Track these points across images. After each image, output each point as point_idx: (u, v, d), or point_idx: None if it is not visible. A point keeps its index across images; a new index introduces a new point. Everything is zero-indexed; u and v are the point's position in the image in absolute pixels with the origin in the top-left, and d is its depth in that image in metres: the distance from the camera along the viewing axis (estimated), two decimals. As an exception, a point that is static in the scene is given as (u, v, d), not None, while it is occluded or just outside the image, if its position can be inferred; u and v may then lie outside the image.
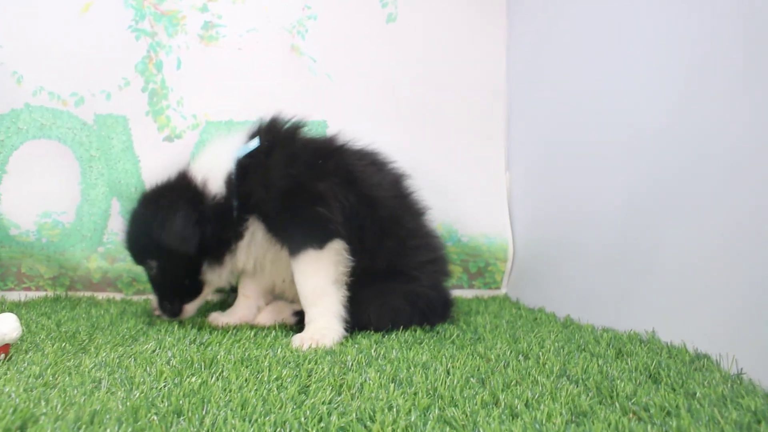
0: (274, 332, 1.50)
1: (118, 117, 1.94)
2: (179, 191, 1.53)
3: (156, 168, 1.91)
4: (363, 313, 1.50)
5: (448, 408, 0.96)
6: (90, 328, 1.49)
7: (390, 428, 0.87)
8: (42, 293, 1.96)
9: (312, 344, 1.36)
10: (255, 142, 1.51)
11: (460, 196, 2.14)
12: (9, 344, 1.21)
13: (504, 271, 2.18)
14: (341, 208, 1.47)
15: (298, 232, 1.48)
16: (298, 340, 1.38)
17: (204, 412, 0.91)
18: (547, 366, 1.21)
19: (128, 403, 0.93)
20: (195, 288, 1.60)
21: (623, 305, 1.60)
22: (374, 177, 1.59)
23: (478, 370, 1.18)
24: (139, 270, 1.94)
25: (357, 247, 1.50)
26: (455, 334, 1.50)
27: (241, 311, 1.68)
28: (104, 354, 1.23)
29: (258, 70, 2.01)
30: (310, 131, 1.67)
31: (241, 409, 0.93)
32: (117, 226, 1.93)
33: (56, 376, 1.08)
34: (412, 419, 0.90)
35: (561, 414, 0.94)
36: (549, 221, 2.02)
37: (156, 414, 0.90)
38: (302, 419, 0.89)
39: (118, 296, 1.97)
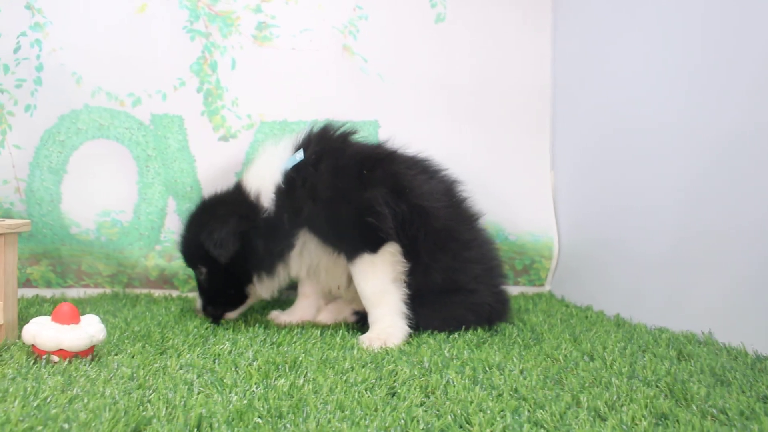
0: (340, 332, 1.53)
1: (174, 117, 1.96)
2: (235, 204, 1.59)
3: (211, 167, 1.96)
4: (428, 325, 1.53)
5: (535, 410, 0.99)
6: (159, 327, 1.53)
7: (489, 430, 0.90)
8: (100, 290, 2.00)
9: (380, 344, 1.39)
10: (300, 155, 1.53)
11: (507, 195, 2.16)
12: (94, 346, 1.24)
13: (548, 269, 2.20)
14: (392, 215, 1.49)
15: (350, 240, 1.52)
16: (367, 341, 1.41)
17: (304, 415, 0.94)
18: (615, 367, 1.23)
19: (230, 407, 0.96)
20: (240, 298, 1.67)
21: (676, 305, 1.61)
22: (424, 186, 1.58)
23: (550, 370, 1.20)
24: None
25: (412, 262, 1.52)
26: (515, 334, 1.53)
27: (301, 310, 1.71)
28: (188, 355, 1.26)
29: (311, 70, 2.02)
30: (362, 137, 1.69)
31: (340, 412, 0.96)
32: (173, 225, 1.96)
33: (147, 378, 1.11)
34: (508, 422, 0.93)
35: (644, 416, 0.97)
36: (595, 219, 2.03)
37: (260, 417, 0.93)
38: (401, 422, 0.92)
39: (174, 293, 2.01)
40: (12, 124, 1.89)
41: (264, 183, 1.56)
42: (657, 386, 1.11)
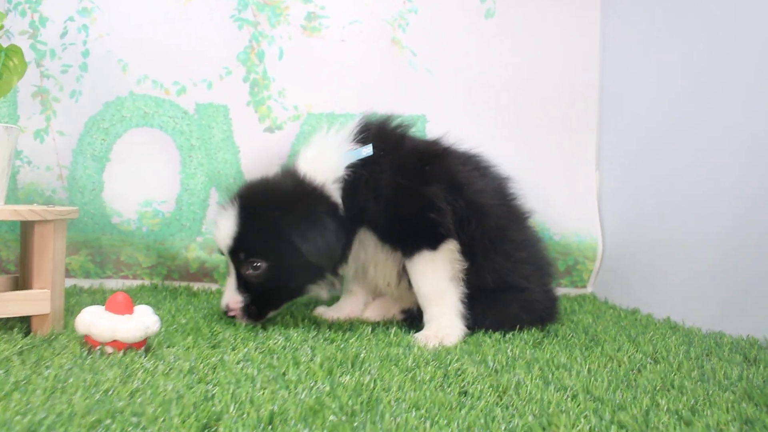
0: (392, 329, 1.49)
1: (219, 106, 1.93)
2: (315, 200, 1.46)
3: (256, 158, 1.92)
4: (480, 322, 1.49)
5: (616, 412, 0.95)
6: (206, 321, 1.50)
7: (576, 431, 0.86)
8: (139, 281, 1.96)
9: (436, 342, 1.36)
10: (368, 150, 1.47)
11: (552, 194, 2.11)
12: (147, 337, 1.21)
13: (591, 270, 2.16)
14: (452, 211, 1.46)
15: (410, 236, 1.48)
16: (423, 339, 1.38)
17: (379, 413, 0.90)
18: (683, 370, 1.19)
19: (303, 403, 0.92)
20: (292, 297, 1.58)
21: (733, 309, 1.57)
22: (479, 182, 1.56)
23: (617, 372, 1.17)
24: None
25: (468, 262, 1.49)
26: (570, 335, 1.49)
27: (348, 307, 1.67)
28: (244, 349, 1.23)
29: (359, 62, 1.99)
30: (415, 131, 1.64)
31: (416, 410, 0.92)
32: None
33: (207, 372, 1.08)
34: (593, 423, 0.89)
35: (729, 422, 0.93)
36: (641, 220, 1.99)
37: (333, 414, 0.89)
38: (480, 421, 0.88)
39: (213, 287, 1.97)
40: (57, 110, 1.86)
41: (325, 175, 1.47)
42: (732, 391, 1.07)
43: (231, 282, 1.49)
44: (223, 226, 1.47)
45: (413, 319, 1.59)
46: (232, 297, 1.48)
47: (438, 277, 1.45)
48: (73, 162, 1.88)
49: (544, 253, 1.71)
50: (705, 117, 1.71)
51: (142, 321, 1.19)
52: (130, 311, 1.20)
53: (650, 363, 1.24)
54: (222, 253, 1.51)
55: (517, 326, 1.52)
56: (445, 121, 1.97)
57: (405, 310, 1.65)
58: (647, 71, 1.97)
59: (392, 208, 1.45)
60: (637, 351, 1.33)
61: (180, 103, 1.92)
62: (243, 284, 1.48)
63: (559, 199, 2.14)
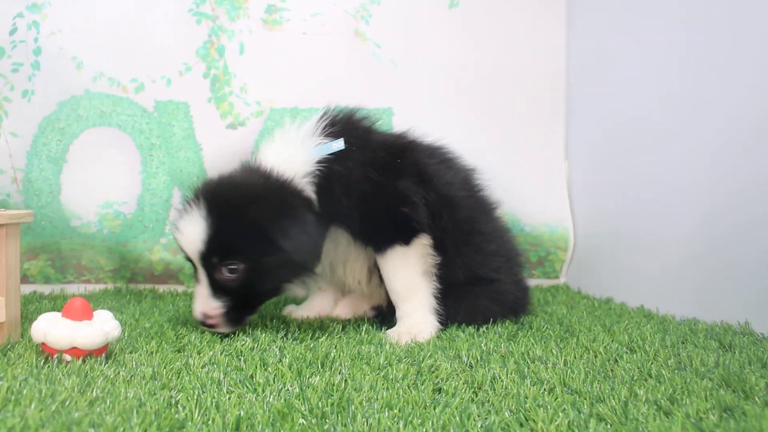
0: (363, 326, 1.46)
1: (179, 103, 1.88)
2: (290, 195, 1.39)
3: (218, 156, 1.88)
4: (452, 317, 1.47)
5: (594, 404, 0.93)
6: (171, 324, 1.45)
7: (554, 426, 0.84)
8: (102, 286, 1.90)
9: (409, 339, 1.33)
10: (340, 144, 1.42)
11: (521, 185, 2.10)
12: (108, 344, 1.16)
13: (564, 261, 2.15)
14: (425, 204, 1.43)
15: (383, 232, 1.44)
16: (395, 335, 1.35)
17: (350, 414, 0.87)
18: (659, 359, 1.18)
19: (269, 407, 0.88)
20: (269, 297, 1.51)
21: (705, 295, 1.57)
22: (447, 175, 1.53)
23: (594, 363, 1.15)
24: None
25: (440, 256, 1.46)
26: (545, 326, 1.48)
27: (319, 305, 1.63)
28: (210, 353, 1.18)
29: (323, 55, 1.95)
30: (382, 124, 1.61)
31: (389, 410, 0.89)
32: (171, 218, 1.88)
33: (171, 377, 1.03)
34: (571, 417, 0.87)
35: (709, 410, 0.91)
36: (611, 209, 1.99)
37: (303, 417, 0.86)
38: (457, 419, 0.85)
39: (179, 288, 1.92)
40: (8, 111, 1.80)
41: (294, 170, 1.40)
42: (710, 378, 1.06)
43: (203, 289, 1.37)
44: (190, 230, 1.36)
45: (384, 315, 1.56)
46: (208, 304, 1.36)
47: (411, 273, 1.42)
48: (28, 164, 1.81)
49: (513, 244, 1.70)
50: (675, 108, 1.71)
51: (102, 327, 1.13)
52: (89, 317, 1.15)
53: (626, 352, 1.22)
54: (188, 259, 1.41)
55: (490, 319, 1.50)
56: (412, 113, 1.95)
57: (375, 306, 1.62)
58: (614, 61, 1.97)
59: (364, 204, 1.41)
60: (612, 341, 1.32)
61: (138, 100, 1.86)
62: (218, 289, 1.37)
63: (529, 189, 2.13)
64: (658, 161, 1.77)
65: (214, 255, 1.35)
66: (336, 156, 1.42)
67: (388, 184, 1.42)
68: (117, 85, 1.85)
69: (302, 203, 1.38)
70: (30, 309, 1.58)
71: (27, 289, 1.85)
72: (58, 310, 1.18)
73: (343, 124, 1.49)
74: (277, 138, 1.52)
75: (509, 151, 2.11)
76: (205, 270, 1.36)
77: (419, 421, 0.85)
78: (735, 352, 1.22)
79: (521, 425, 0.86)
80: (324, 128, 1.47)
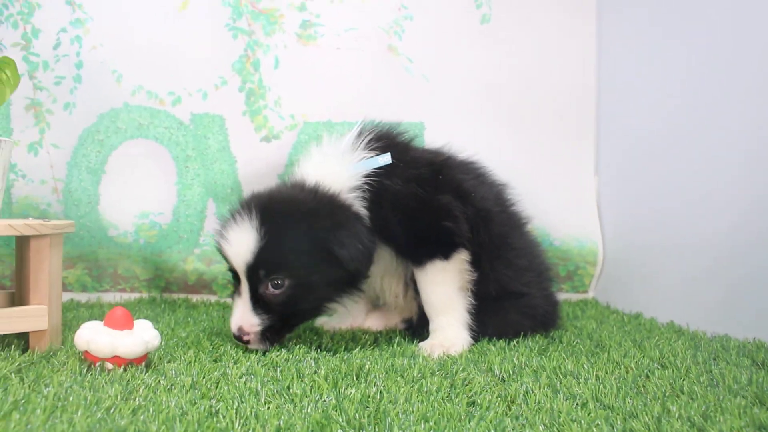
0: (396, 339, 1.47)
1: (215, 116, 1.92)
2: (341, 207, 1.38)
3: (252, 169, 1.91)
4: (482, 330, 1.47)
5: (628, 420, 0.93)
6: (206, 334, 1.47)
7: (589, 442, 0.85)
8: (136, 295, 1.94)
9: (441, 352, 1.34)
10: (387, 158, 1.42)
11: (551, 200, 2.10)
12: (148, 353, 1.19)
13: (593, 275, 2.14)
14: (465, 219, 1.44)
15: (424, 245, 1.44)
16: (428, 348, 1.36)
17: (387, 426, 0.88)
18: (691, 376, 1.17)
19: (307, 418, 0.90)
20: (311, 315, 1.47)
21: (737, 311, 1.56)
22: (481, 190, 1.54)
23: (625, 379, 1.15)
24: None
25: (476, 271, 1.46)
26: (574, 342, 1.47)
27: (351, 317, 1.64)
28: (246, 363, 1.21)
29: (356, 70, 1.98)
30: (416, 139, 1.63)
31: (425, 422, 0.90)
32: (213, 228, 1.91)
33: (210, 387, 1.06)
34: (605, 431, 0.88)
35: (742, 428, 0.91)
36: (641, 224, 1.98)
37: (341, 428, 0.87)
38: (493, 435, 0.87)
39: (212, 298, 1.95)
40: (50, 123, 1.85)
41: (339, 184, 1.40)
42: (743, 396, 1.05)
43: (244, 303, 1.34)
44: (239, 240, 1.33)
45: (414, 328, 1.58)
46: (247, 320, 1.33)
47: (448, 287, 1.43)
48: (68, 175, 1.86)
49: (544, 258, 1.70)
50: (704, 121, 1.70)
51: (142, 336, 1.16)
52: (129, 326, 1.18)
53: (658, 368, 1.22)
54: (232, 270, 1.38)
55: (520, 333, 1.51)
56: (443, 127, 1.97)
57: (406, 319, 1.63)
58: (645, 75, 1.97)
59: (408, 218, 1.42)
60: (643, 356, 1.31)
61: (175, 113, 1.90)
62: (259, 305, 1.33)
63: (559, 204, 2.12)
64: (688, 174, 1.76)
65: (261, 268, 1.32)
66: (383, 170, 1.42)
67: (431, 199, 1.42)
68: (155, 98, 1.89)
69: (354, 216, 1.38)
70: (68, 317, 1.62)
71: (65, 297, 1.89)
72: (95, 318, 1.22)
73: (384, 139, 1.50)
74: (316, 152, 1.52)
75: (539, 164, 2.11)
76: (249, 283, 1.34)
77: (455, 434, 0.86)
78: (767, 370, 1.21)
79: (558, 440, 0.86)
80: (367, 143, 1.47)
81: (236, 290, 1.38)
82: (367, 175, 1.41)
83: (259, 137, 1.93)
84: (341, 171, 1.42)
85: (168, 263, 1.91)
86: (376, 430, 0.88)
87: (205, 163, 1.91)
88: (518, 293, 1.55)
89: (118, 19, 1.87)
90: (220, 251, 1.39)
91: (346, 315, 1.65)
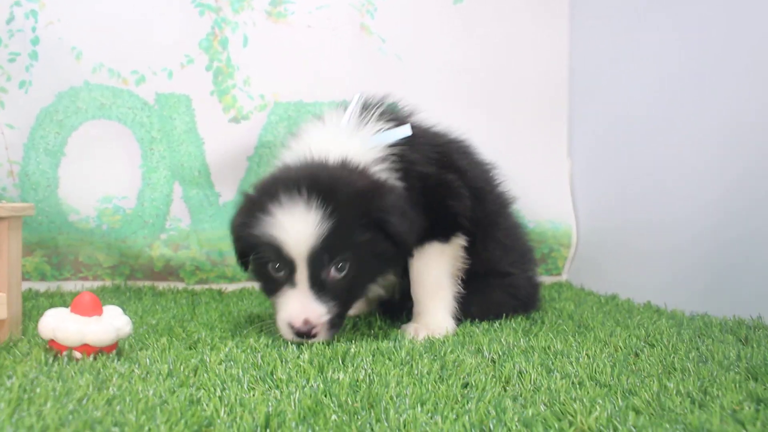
0: (376, 322, 1.44)
1: (181, 96, 1.84)
2: (385, 185, 1.31)
3: (221, 150, 1.84)
4: (465, 310, 1.44)
5: (628, 397, 0.91)
6: (178, 320, 1.41)
7: (593, 419, 0.81)
8: (99, 283, 1.86)
9: (426, 334, 1.31)
10: (407, 129, 1.37)
11: (525, 182, 2.06)
12: (118, 341, 1.12)
13: (566, 257, 2.14)
14: (467, 199, 1.41)
15: (426, 225, 1.38)
16: (413, 330, 1.33)
17: (382, 410, 0.84)
18: (681, 352, 1.16)
19: (299, 403, 0.85)
20: (363, 295, 1.37)
21: (715, 289, 1.57)
22: (475, 169, 1.52)
23: (616, 357, 1.14)
24: (203, 258, 1.86)
25: (469, 251, 1.44)
26: (556, 323, 1.46)
27: None
28: (225, 349, 1.15)
29: (327, 49, 1.92)
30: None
31: (422, 406, 0.86)
32: (180, 212, 1.84)
33: (188, 374, 1.00)
34: (609, 410, 0.85)
35: (743, 402, 0.89)
36: (614, 206, 2.00)
37: (335, 413, 0.83)
38: (492, 413, 0.83)
39: (179, 285, 1.88)
40: (5, 102, 1.75)
41: (366, 159, 1.33)
42: (736, 372, 1.04)
43: (302, 292, 1.23)
44: (299, 225, 1.22)
45: (392, 309, 1.53)
46: (312, 310, 1.22)
47: (441, 271, 1.40)
48: (24, 157, 1.76)
49: (526, 239, 1.69)
50: (674, 104, 1.72)
51: (113, 323, 1.10)
52: (98, 312, 1.11)
53: (646, 347, 1.21)
54: (281, 259, 1.25)
55: (503, 313, 1.49)
56: (416, 108, 1.92)
57: (383, 300, 1.58)
58: (616, 59, 1.98)
59: (419, 195, 1.36)
60: (630, 335, 1.30)
61: (139, 93, 1.83)
62: (321, 291, 1.24)
63: (533, 187, 2.11)
64: (660, 157, 1.77)
65: (326, 251, 1.22)
66: (405, 143, 1.38)
67: (438, 177, 1.39)
68: (117, 77, 1.81)
69: (397, 191, 1.32)
70: (27, 306, 1.53)
71: (22, 286, 1.79)
72: (56, 308, 1.14)
73: (392, 113, 1.46)
74: (322, 127, 1.43)
75: (513, 147, 2.10)
76: (310, 270, 1.23)
77: (454, 416, 0.83)
78: (754, 346, 1.21)
79: (559, 419, 0.83)
80: (379, 116, 1.42)
81: (286, 280, 1.26)
82: (390, 147, 1.36)
83: (227, 118, 1.86)
84: (363, 144, 1.35)
85: (133, 249, 1.83)
86: (372, 414, 0.83)
87: (171, 145, 1.83)
88: (504, 273, 1.54)
89: (79, -7, 1.78)
90: (268, 239, 1.25)
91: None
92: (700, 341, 1.25)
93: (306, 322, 1.21)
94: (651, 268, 1.79)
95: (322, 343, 1.19)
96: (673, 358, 1.12)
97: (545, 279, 2.15)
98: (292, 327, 1.22)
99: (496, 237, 1.51)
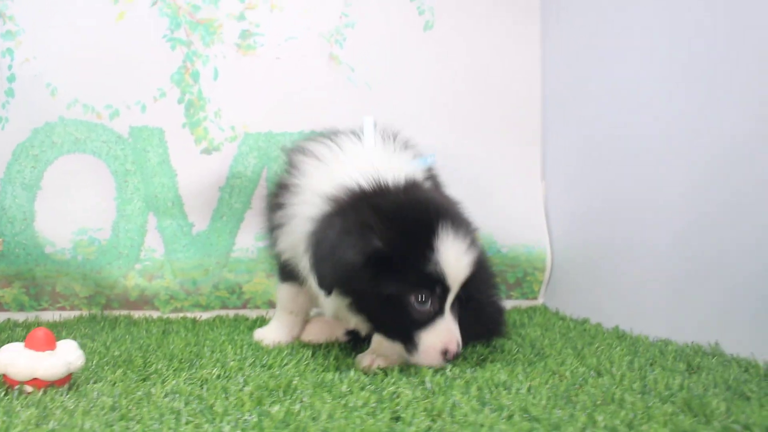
0: (333, 352, 1.46)
1: (154, 129, 1.89)
2: None
3: (193, 182, 1.88)
4: None
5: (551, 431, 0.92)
6: (141, 352, 1.44)
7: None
8: (77, 312, 1.90)
9: (381, 364, 1.31)
10: (433, 158, 1.42)
11: (498, 206, 2.10)
12: (71, 374, 1.15)
13: (542, 281, 2.15)
14: None
15: None
16: (368, 360, 1.33)
17: (304, 445, 0.87)
18: (625, 383, 1.17)
19: (223, 438, 0.88)
20: None
21: (678, 315, 1.57)
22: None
23: (558, 388, 1.14)
24: (177, 288, 1.90)
25: None
26: (515, 350, 1.46)
27: (289, 329, 1.62)
28: (173, 382, 1.18)
29: (297, 79, 1.96)
30: None
31: (343, 441, 0.88)
32: (154, 243, 1.88)
33: (131, 407, 1.02)
34: (525, 447, 0.87)
35: (666, 436, 0.91)
36: (587, 230, 1.99)
37: (255, 449, 0.85)
38: (410, 451, 0.85)
39: (154, 314, 1.92)
40: (-18, 139, 1.80)
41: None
42: (673, 402, 1.05)
43: (452, 319, 1.29)
44: (464, 254, 1.25)
45: (357, 340, 1.54)
46: (459, 336, 1.29)
47: None
48: (1, 191, 1.82)
49: (488, 265, 1.67)
50: (648, 125, 1.71)
51: (65, 357, 1.13)
52: (51, 347, 1.14)
53: (593, 376, 1.21)
54: (442, 287, 1.26)
55: (467, 341, 1.45)
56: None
57: (350, 331, 1.61)
58: (589, 81, 1.98)
59: None
60: (580, 364, 1.31)
61: (113, 127, 1.88)
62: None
63: (506, 210, 2.13)
64: (635, 180, 1.77)
65: (478, 281, 1.32)
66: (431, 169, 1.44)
67: None
68: (92, 112, 1.85)
69: None
70: (2, 338, 1.57)
71: (1, 317, 1.84)
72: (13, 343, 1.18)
73: (402, 141, 1.49)
74: (355, 152, 1.43)
75: (485, 171, 2.11)
76: (456, 297, 1.29)
77: (372, 451, 0.85)
78: (702, 374, 1.21)
79: (475, 454, 0.85)
80: (404, 143, 1.47)
81: (435, 308, 1.27)
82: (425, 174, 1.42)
83: (199, 149, 1.91)
84: (410, 168, 1.38)
85: (108, 280, 1.88)
86: (292, 448, 0.86)
87: (145, 177, 1.88)
88: (468, 298, 1.53)
89: (53, 32, 1.84)
90: (431, 267, 1.24)
91: (285, 328, 1.62)
92: (650, 370, 1.25)
93: (459, 346, 1.27)
94: (621, 293, 1.79)
95: (269, 375, 1.22)
96: (616, 388, 1.12)
97: (521, 303, 2.16)
98: (447, 353, 1.26)
99: None
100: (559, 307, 2.07)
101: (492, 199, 2.09)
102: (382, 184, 1.31)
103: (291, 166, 1.48)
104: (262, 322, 1.79)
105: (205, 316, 1.93)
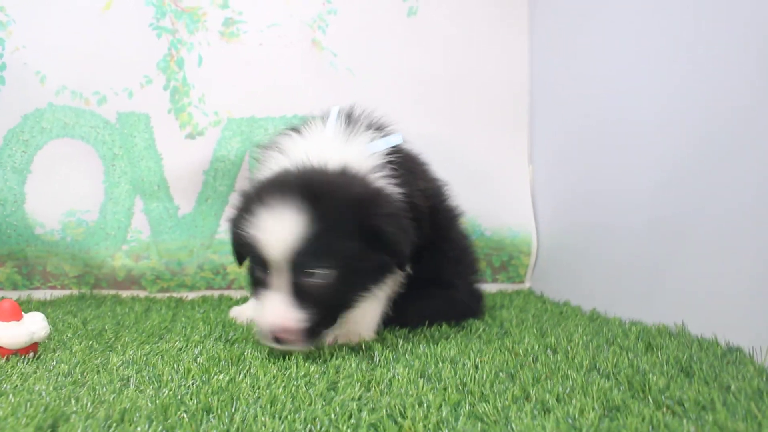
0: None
1: (141, 115, 1.95)
2: (383, 193, 1.31)
3: (178, 165, 1.93)
4: (401, 313, 1.46)
5: (478, 403, 0.94)
6: (116, 326, 1.49)
7: (421, 424, 0.85)
8: (67, 292, 1.97)
9: (346, 341, 1.34)
10: (398, 138, 1.40)
11: (485, 190, 2.12)
12: (37, 343, 1.21)
13: (528, 265, 2.16)
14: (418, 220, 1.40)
15: None
16: (331, 338, 1.35)
17: (233, 410, 0.90)
18: (576, 360, 1.18)
19: (157, 401, 0.92)
20: (350, 306, 1.31)
21: (651, 297, 1.58)
22: (431, 184, 1.55)
23: (507, 364, 1.15)
24: (163, 268, 1.95)
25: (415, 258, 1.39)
26: (481, 329, 1.48)
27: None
28: (131, 352, 1.23)
29: (279, 65, 2.00)
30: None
31: (270, 406, 0.92)
32: (140, 224, 1.94)
33: (85, 374, 1.08)
34: (443, 415, 0.89)
35: (594, 409, 0.92)
36: (573, 214, 2.00)
37: (185, 412, 0.89)
38: (332, 416, 0.88)
39: (142, 294, 1.98)
40: (-27, 124, 1.87)
41: (364, 167, 1.32)
42: (616, 378, 1.06)
43: (280, 297, 1.20)
44: (281, 228, 1.19)
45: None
46: (288, 315, 1.19)
47: (375, 299, 1.39)
48: (-8, 175, 1.89)
49: (472, 250, 1.71)
50: (635, 111, 1.71)
51: (29, 327, 1.19)
52: (17, 318, 1.20)
53: (547, 354, 1.22)
54: (261, 262, 1.23)
55: (441, 322, 1.50)
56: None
57: None
58: (576, 66, 1.97)
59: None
60: (538, 343, 1.31)
61: (101, 112, 1.93)
62: (301, 298, 1.20)
63: (493, 194, 2.14)
64: (619, 166, 1.77)
65: (310, 257, 1.19)
66: (395, 151, 1.41)
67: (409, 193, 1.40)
68: (80, 98, 1.92)
69: (394, 200, 1.32)
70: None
71: (-5, 295, 1.92)
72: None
73: (375, 123, 1.49)
74: (309, 135, 1.43)
75: (472, 156, 2.13)
76: (291, 275, 1.20)
77: (294, 416, 0.88)
78: (657, 354, 1.21)
79: (395, 422, 0.87)
80: (367, 125, 1.45)
81: (263, 283, 1.24)
82: (386, 156, 1.38)
83: (183, 134, 1.96)
84: (360, 152, 1.35)
85: (96, 260, 1.94)
86: (219, 412, 0.90)
87: (132, 161, 1.94)
88: (447, 283, 1.55)
89: (42, 21, 1.90)
90: (250, 240, 1.23)
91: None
92: (606, 348, 1.26)
93: (283, 328, 1.19)
94: (601, 276, 1.79)
95: (224, 347, 1.26)
96: (565, 365, 1.14)
97: (507, 287, 2.17)
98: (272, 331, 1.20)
99: (443, 249, 1.52)
100: (545, 291, 2.08)
101: (478, 183, 2.10)
102: (299, 166, 1.31)
103: (258, 161, 1.53)
104: (245, 302, 1.83)
105: (191, 296, 1.99)
